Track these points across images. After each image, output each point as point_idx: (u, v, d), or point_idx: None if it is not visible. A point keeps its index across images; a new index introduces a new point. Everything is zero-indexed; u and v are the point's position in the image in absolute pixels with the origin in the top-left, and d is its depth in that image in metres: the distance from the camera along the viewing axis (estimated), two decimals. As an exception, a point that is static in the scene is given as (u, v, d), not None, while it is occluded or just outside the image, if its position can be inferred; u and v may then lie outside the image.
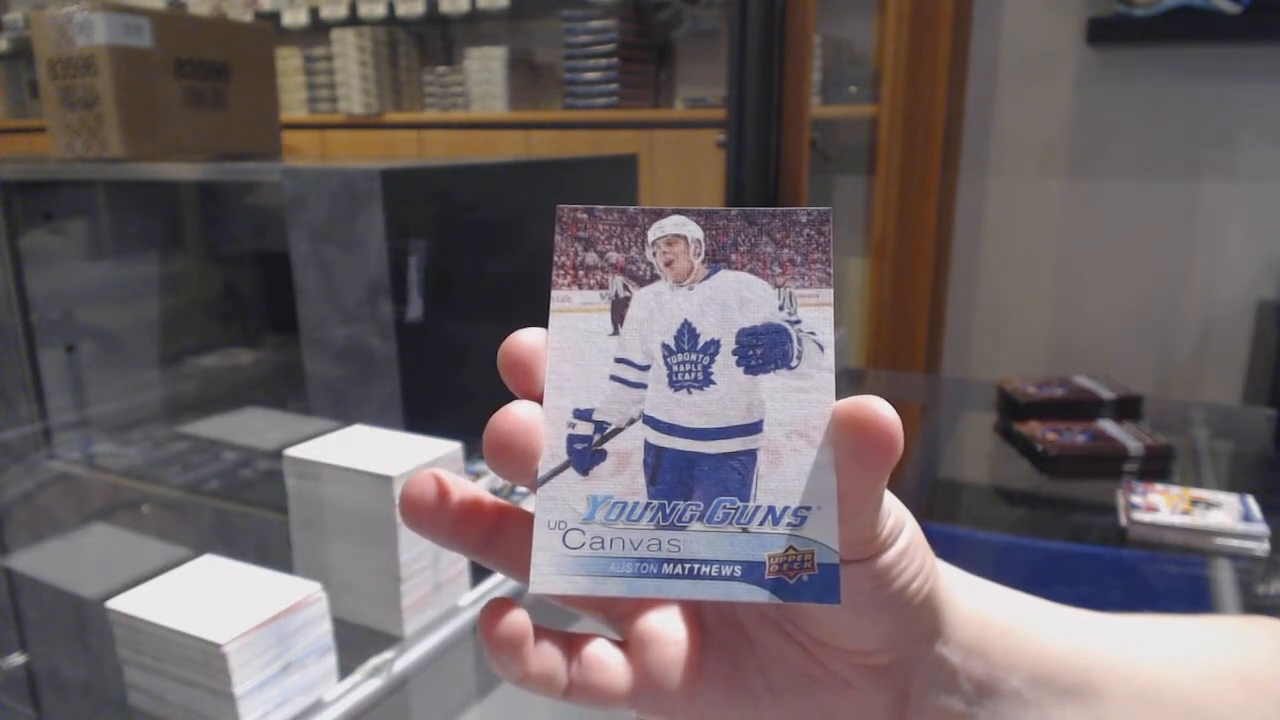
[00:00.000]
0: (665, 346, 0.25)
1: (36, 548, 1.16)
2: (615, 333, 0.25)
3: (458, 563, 0.85)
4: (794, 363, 0.25)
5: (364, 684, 0.74)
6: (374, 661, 0.76)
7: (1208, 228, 2.07)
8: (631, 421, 0.25)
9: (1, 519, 1.23)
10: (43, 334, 1.40)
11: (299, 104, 3.23)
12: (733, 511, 0.24)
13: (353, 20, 3.05)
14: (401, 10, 2.97)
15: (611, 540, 0.24)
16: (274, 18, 3.17)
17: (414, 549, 0.79)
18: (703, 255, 0.25)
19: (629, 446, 0.24)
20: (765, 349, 0.25)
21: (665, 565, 0.24)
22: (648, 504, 0.24)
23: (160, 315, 1.58)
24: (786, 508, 0.24)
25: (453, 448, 0.83)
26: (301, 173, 1.10)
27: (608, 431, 0.24)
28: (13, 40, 3.79)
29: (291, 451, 0.82)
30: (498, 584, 0.88)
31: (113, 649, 0.69)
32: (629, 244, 0.25)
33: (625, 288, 0.25)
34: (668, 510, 0.24)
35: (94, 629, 0.86)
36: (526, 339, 0.24)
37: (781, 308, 0.25)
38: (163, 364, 1.58)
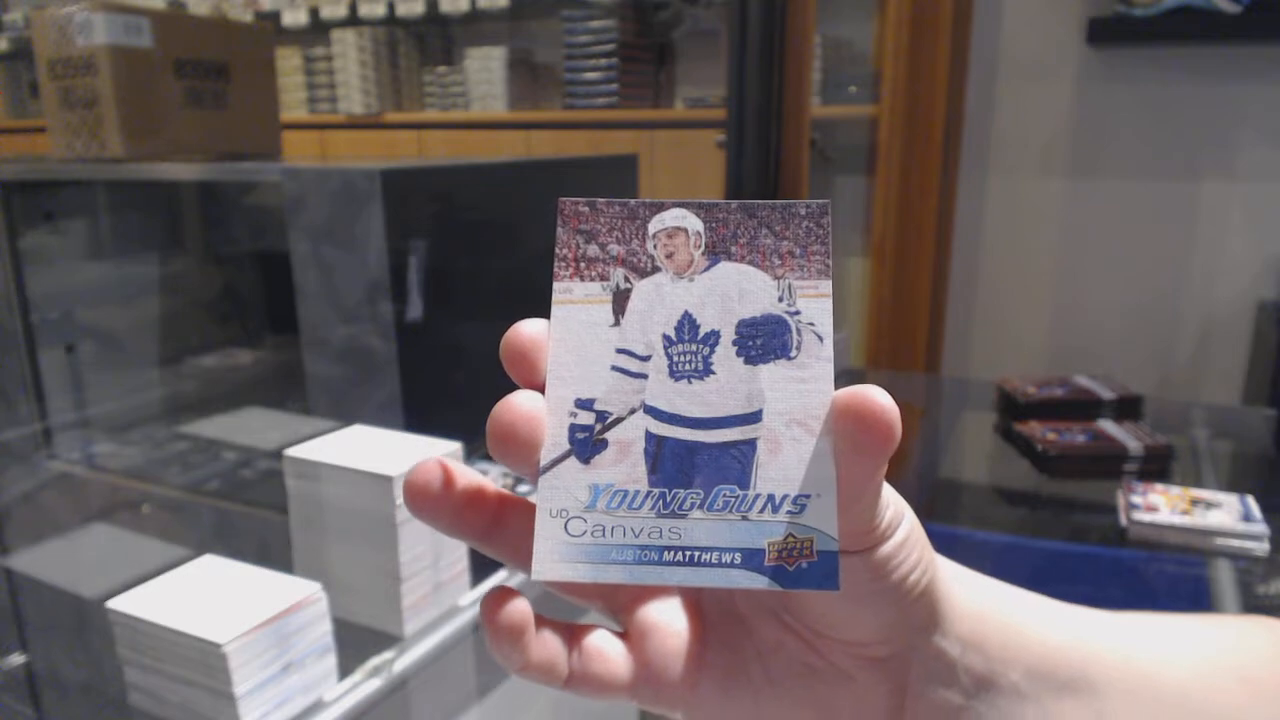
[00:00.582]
0: (666, 337, 0.25)
1: (36, 548, 1.16)
2: (616, 324, 0.25)
3: (458, 563, 0.85)
4: (793, 353, 0.25)
5: (364, 684, 0.74)
6: (374, 661, 0.76)
7: (1208, 228, 2.07)
8: (633, 411, 0.25)
9: (1, 519, 1.23)
10: (43, 334, 1.40)
11: (299, 104, 3.23)
12: (733, 499, 0.24)
13: (353, 20, 3.05)
14: (401, 10, 2.97)
15: (613, 528, 0.24)
16: (274, 18, 3.17)
17: (414, 549, 0.79)
18: (703, 247, 0.26)
19: (630, 436, 0.25)
20: (765, 339, 0.25)
21: (666, 553, 0.24)
22: (649, 492, 0.24)
23: (160, 315, 1.58)
24: (786, 495, 0.24)
25: (453, 448, 0.83)
26: (301, 173, 1.10)
27: (609, 421, 0.25)
28: (13, 40, 3.79)
29: (291, 451, 0.82)
30: (498, 583, 0.88)
31: (113, 649, 0.69)
32: (630, 236, 0.26)
33: (626, 279, 0.25)
34: (668, 498, 0.24)
35: (94, 629, 0.86)
36: (528, 329, 0.25)
37: (781, 299, 0.25)
38: (163, 364, 1.58)
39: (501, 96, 2.90)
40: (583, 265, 0.26)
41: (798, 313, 0.25)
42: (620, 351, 0.25)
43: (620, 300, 0.25)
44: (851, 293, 2.26)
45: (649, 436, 0.25)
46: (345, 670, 0.74)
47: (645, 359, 0.25)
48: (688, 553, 0.24)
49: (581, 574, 0.23)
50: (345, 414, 1.09)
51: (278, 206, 1.13)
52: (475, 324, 1.19)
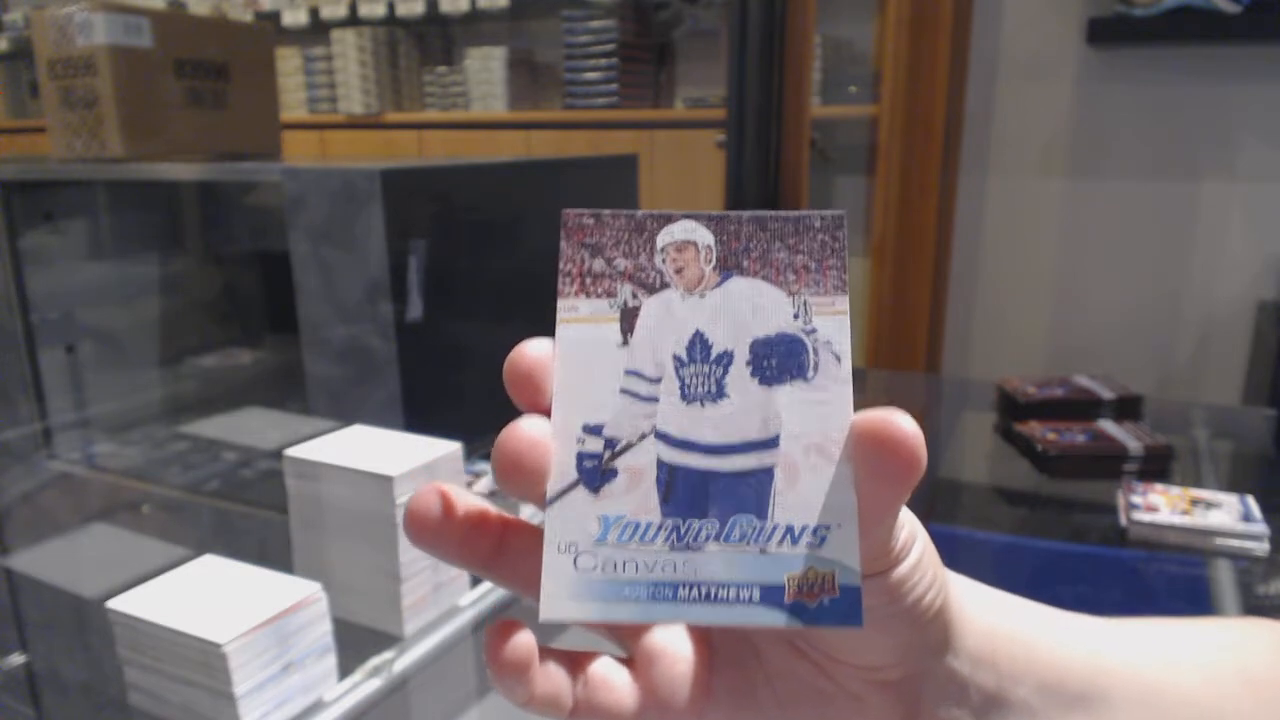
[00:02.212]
0: (677, 358, 0.24)
1: (36, 548, 1.16)
2: (625, 343, 0.24)
3: (458, 563, 0.85)
4: (810, 374, 0.24)
5: (364, 684, 0.74)
6: (374, 661, 0.76)
7: (1208, 228, 2.07)
8: (643, 437, 0.24)
9: (1, 519, 1.23)
10: (43, 334, 1.40)
11: (299, 104, 3.23)
12: (750, 531, 0.23)
13: (353, 20, 3.05)
14: (401, 10, 2.97)
15: (624, 563, 0.23)
16: (274, 18, 3.17)
17: (414, 549, 0.79)
18: (714, 262, 0.25)
19: (641, 463, 0.23)
20: (780, 360, 0.24)
21: (681, 589, 0.23)
22: (661, 524, 0.23)
23: (160, 315, 1.58)
24: (805, 526, 0.23)
25: (452, 448, 0.83)
26: (301, 173, 1.10)
27: (618, 448, 0.24)
28: (13, 40, 3.79)
29: (291, 451, 0.82)
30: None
31: (113, 649, 0.69)
32: (637, 250, 0.25)
33: (634, 296, 0.24)
34: (682, 530, 0.23)
35: (94, 629, 0.86)
36: (533, 351, 0.23)
37: (796, 316, 0.24)
38: (163, 364, 1.58)
39: (501, 96, 2.90)
40: (588, 281, 0.24)
41: (814, 331, 0.24)
42: (629, 373, 0.24)
43: (628, 318, 0.24)
44: (852, 293, 2.26)
45: (661, 464, 0.23)
46: (345, 670, 0.74)
47: (655, 381, 0.24)
48: (703, 589, 0.23)
49: (592, 613, 0.22)
50: (345, 414, 1.09)
51: (278, 206, 1.13)
52: (475, 324, 1.19)
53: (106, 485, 1.29)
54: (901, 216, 2.09)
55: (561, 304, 0.24)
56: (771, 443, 0.24)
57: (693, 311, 0.24)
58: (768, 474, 0.23)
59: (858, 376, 1.81)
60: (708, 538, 0.23)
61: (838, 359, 0.24)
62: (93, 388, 1.48)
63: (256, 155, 1.48)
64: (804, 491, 0.23)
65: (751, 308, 0.24)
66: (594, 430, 0.24)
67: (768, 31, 1.54)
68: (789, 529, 0.23)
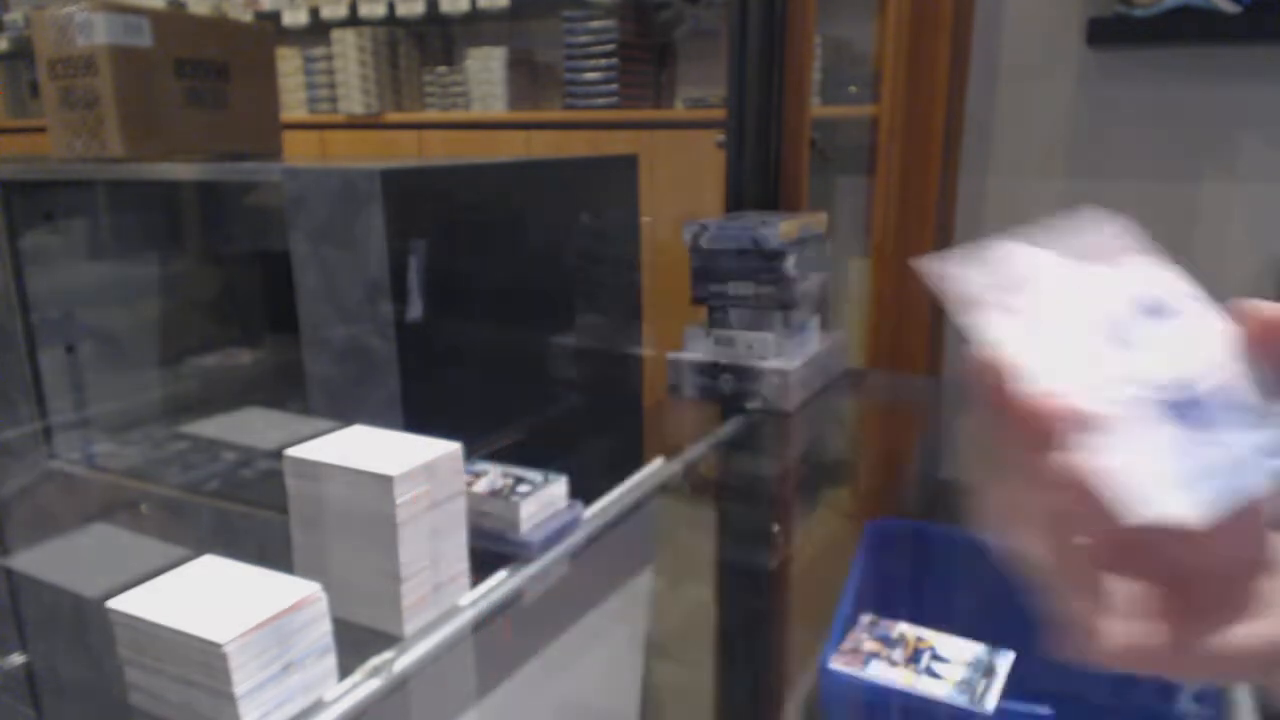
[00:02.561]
0: (1083, 330, 0.30)
1: (36, 548, 1.16)
2: (1036, 332, 0.30)
3: (458, 563, 0.85)
4: (1177, 311, 0.31)
5: (364, 684, 0.74)
6: (374, 661, 0.76)
7: (1208, 228, 2.07)
8: (1117, 386, 0.29)
9: (1, 519, 1.23)
10: (43, 334, 1.40)
11: (299, 104, 3.23)
12: (1251, 416, 0.29)
13: (353, 20, 3.05)
14: (401, 10, 2.97)
15: (1174, 463, 0.28)
16: (274, 18, 3.17)
17: (414, 549, 0.79)
18: (1053, 266, 0.32)
19: (1132, 406, 0.29)
20: (1149, 310, 0.31)
21: (1220, 474, 0.28)
22: (1178, 435, 0.28)
23: (160, 315, 1.58)
24: (1264, 408, 0.29)
25: (452, 448, 0.83)
26: (301, 173, 1.10)
27: (1107, 395, 0.29)
28: (13, 40, 3.79)
29: (291, 451, 0.82)
30: (498, 584, 0.88)
31: (113, 649, 0.69)
32: (990, 274, 0.32)
33: (1011, 301, 0.31)
34: (1196, 436, 0.28)
35: (94, 629, 0.86)
36: (991, 356, 0.29)
37: (1131, 282, 0.31)
38: (163, 364, 1.58)
39: (501, 96, 2.90)
40: (976, 307, 0.31)
41: (1156, 285, 0.31)
42: (1063, 345, 0.30)
43: (1019, 316, 0.30)
44: (852, 293, 2.26)
45: (1144, 402, 0.29)
46: (345, 670, 0.74)
47: (1098, 352, 0.30)
48: (1238, 470, 0.28)
49: (1177, 505, 0.27)
50: (345, 414, 1.09)
51: (278, 206, 1.13)
52: (475, 324, 1.19)
53: (106, 485, 1.29)
54: (901, 216, 2.09)
55: (975, 325, 0.31)
56: (1212, 359, 0.30)
57: (1059, 301, 0.31)
58: (1227, 378, 0.29)
59: (858, 377, 1.81)
60: (1216, 433, 0.28)
61: (1185, 295, 0.31)
62: (93, 388, 1.48)
63: (257, 155, 1.48)
64: (1253, 383, 0.29)
65: (1097, 287, 0.31)
66: (1081, 391, 0.29)
67: (768, 31, 1.54)
68: (1255, 412, 0.29)
